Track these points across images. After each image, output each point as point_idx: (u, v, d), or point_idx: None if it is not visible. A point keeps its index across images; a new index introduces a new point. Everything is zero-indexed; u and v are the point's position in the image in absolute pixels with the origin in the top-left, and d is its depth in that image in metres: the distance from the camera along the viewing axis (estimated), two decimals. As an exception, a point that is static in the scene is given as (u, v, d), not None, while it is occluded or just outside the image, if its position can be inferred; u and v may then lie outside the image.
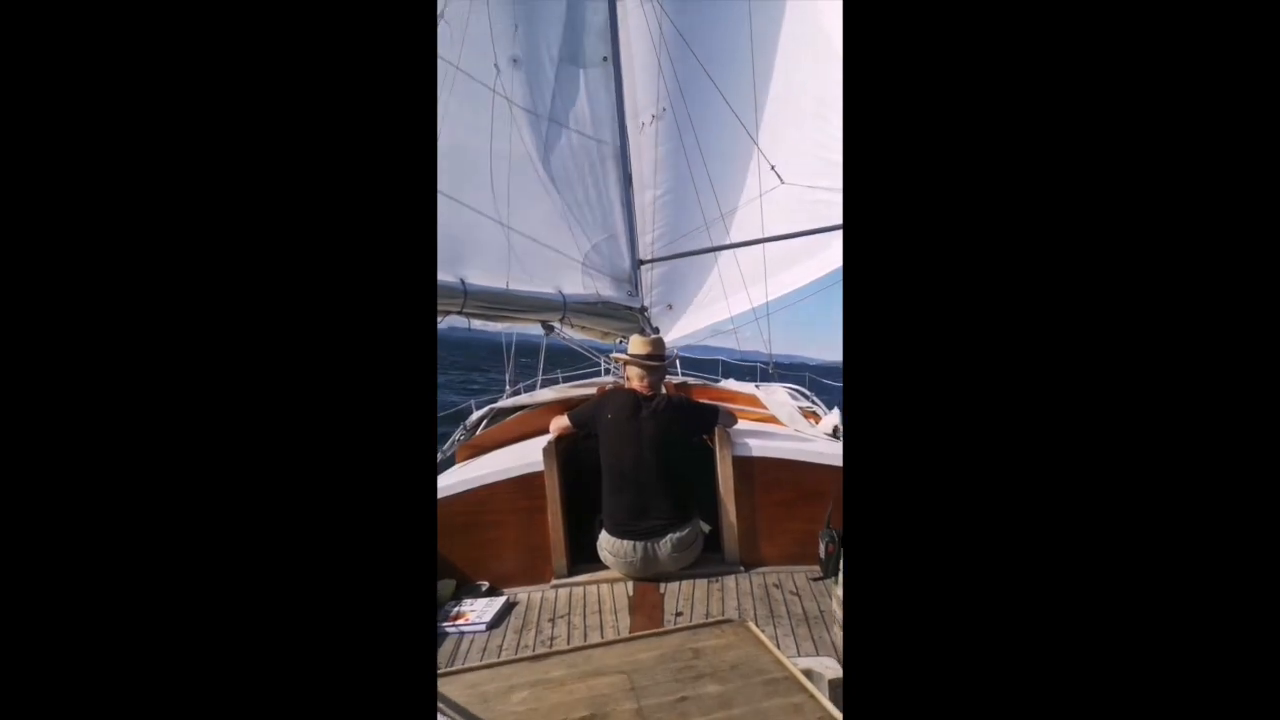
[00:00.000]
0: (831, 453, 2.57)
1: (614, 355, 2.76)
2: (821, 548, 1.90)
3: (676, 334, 5.70)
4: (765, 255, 4.91)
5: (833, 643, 1.92)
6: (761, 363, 5.25)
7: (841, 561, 1.84)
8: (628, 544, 2.36)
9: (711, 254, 5.44)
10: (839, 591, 1.87)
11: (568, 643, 1.95)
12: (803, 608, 2.14)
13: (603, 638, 1.89)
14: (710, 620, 1.66)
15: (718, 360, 6.15)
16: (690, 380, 4.02)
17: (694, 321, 6.17)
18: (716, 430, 2.51)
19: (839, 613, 1.88)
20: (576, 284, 3.63)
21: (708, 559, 2.47)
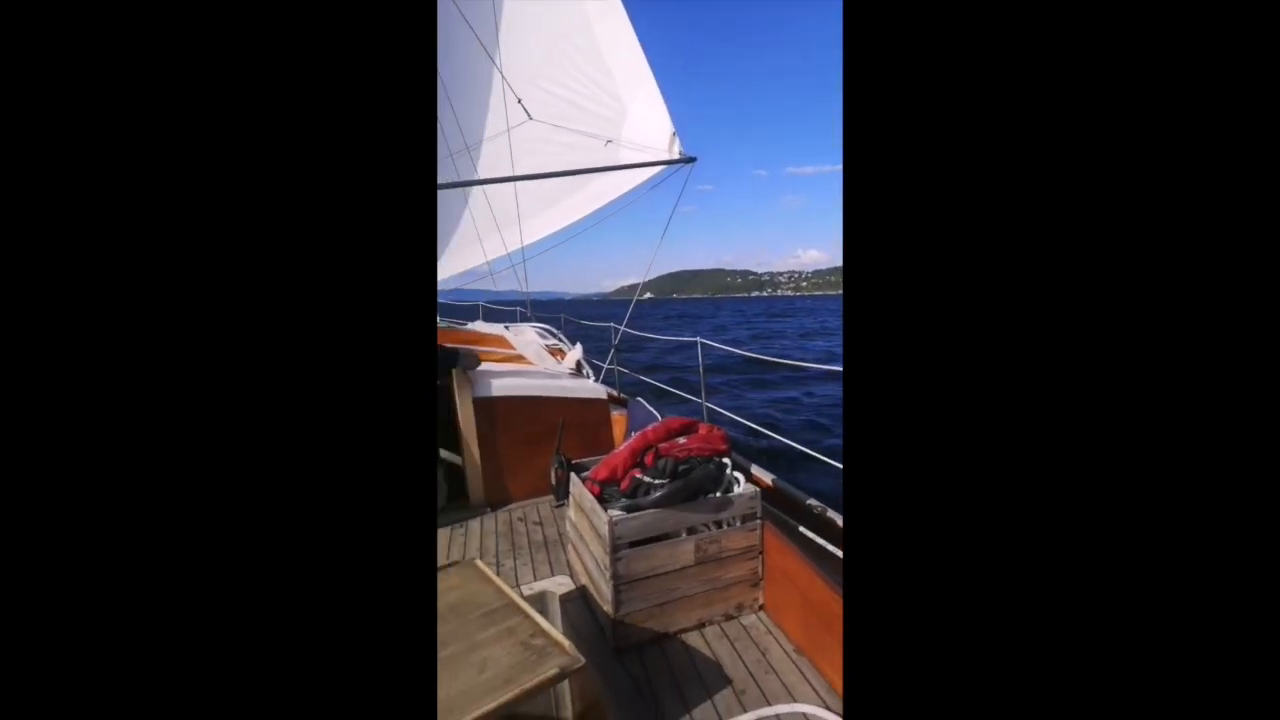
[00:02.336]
0: (573, 386, 2.68)
1: None
2: (552, 474, 1.98)
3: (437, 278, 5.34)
4: (518, 197, 4.81)
5: (566, 561, 2.05)
6: (519, 303, 5.22)
7: (570, 485, 1.95)
8: (358, 502, 2.18)
9: (461, 195, 5.14)
10: (570, 514, 1.99)
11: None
12: (543, 535, 2.25)
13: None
14: (438, 567, 1.63)
15: (477, 304, 5.95)
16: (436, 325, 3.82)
17: (450, 266, 5.84)
18: (455, 373, 2.43)
19: (571, 534, 2.00)
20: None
21: (453, 506, 2.42)
